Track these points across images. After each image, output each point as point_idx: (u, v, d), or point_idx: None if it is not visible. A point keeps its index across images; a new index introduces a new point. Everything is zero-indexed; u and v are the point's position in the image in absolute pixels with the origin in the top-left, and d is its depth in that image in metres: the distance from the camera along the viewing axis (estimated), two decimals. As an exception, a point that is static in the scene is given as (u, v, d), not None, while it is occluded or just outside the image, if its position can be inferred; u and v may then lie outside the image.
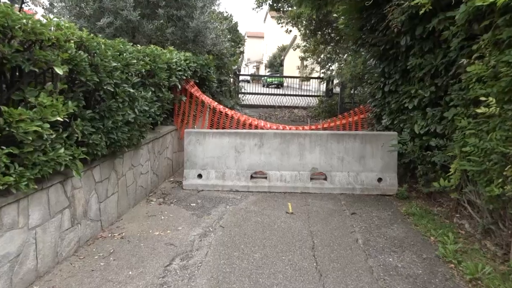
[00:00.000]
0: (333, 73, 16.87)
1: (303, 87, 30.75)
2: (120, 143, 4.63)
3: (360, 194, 6.54)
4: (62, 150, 3.51)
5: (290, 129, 7.93)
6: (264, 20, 65.75)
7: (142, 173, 6.03)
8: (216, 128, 7.99)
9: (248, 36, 66.62)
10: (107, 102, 4.21)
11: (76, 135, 3.75)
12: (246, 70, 63.16)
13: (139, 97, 4.99)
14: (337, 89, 22.77)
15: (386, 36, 6.39)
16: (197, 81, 8.14)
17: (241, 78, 25.35)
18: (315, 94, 21.98)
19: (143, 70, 5.09)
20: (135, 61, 4.70)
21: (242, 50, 21.42)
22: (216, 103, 8.14)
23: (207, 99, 8.07)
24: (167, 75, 6.26)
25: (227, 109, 8.02)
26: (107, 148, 4.44)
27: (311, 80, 20.93)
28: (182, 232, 4.84)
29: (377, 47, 6.84)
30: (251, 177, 6.78)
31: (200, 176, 6.79)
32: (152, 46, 6.42)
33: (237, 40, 19.34)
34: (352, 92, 11.84)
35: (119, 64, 4.31)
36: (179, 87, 6.67)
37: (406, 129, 6.32)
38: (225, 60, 13.69)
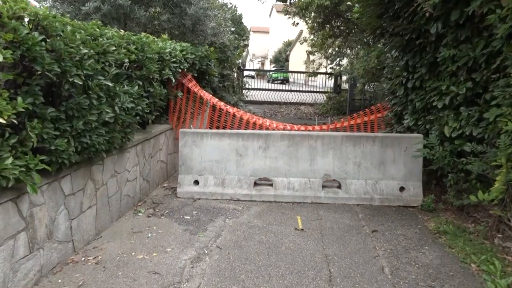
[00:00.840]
0: (342, 68, 15.98)
1: (309, 82, 29.91)
2: (95, 148, 3.81)
3: (380, 205, 5.70)
4: (9, 161, 2.70)
5: (299, 129, 7.09)
6: (270, 14, 64.77)
7: (129, 180, 5.22)
8: (217, 128, 7.16)
9: (253, 31, 65.76)
10: (77, 98, 3.38)
11: (32, 140, 2.94)
12: (251, 65, 62.23)
13: (122, 92, 4.17)
14: (346, 85, 21.98)
15: (412, 24, 5.52)
16: (196, 75, 7.31)
17: (245, 73, 24.46)
18: (322, 90, 21.11)
19: (127, 60, 4.25)
20: (114, 48, 3.86)
21: (246, 43, 20.47)
22: (216, 99, 7.31)
23: (206, 95, 7.24)
24: (158, 67, 5.43)
25: (228, 107, 7.19)
26: (78, 155, 3.63)
27: (318, 75, 20.03)
28: (171, 255, 4.03)
29: (400, 37, 5.97)
30: (255, 184, 5.95)
31: (196, 182, 5.98)
32: (143, 34, 5.59)
33: (241, 32, 18.45)
34: (364, 88, 10.96)
35: (91, 51, 3.48)
36: (173, 81, 5.84)
37: (433, 131, 5.47)
38: (228, 53, 12.85)
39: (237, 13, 18.29)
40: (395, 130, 6.65)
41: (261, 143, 5.91)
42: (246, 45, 22.44)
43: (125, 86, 4.29)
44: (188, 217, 5.12)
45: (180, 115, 7.12)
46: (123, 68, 4.59)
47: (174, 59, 6.01)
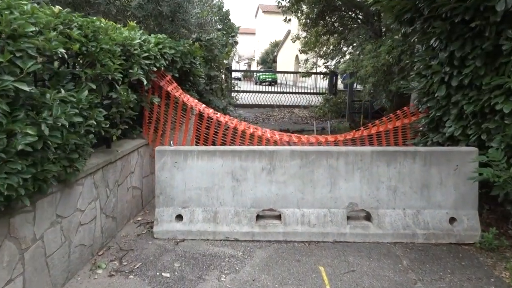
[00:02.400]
0: (341, 66, 14.61)
1: (297, 84, 28.54)
2: (10, 194, 2.31)
3: (424, 243, 4.29)
4: None
5: (307, 141, 5.65)
6: (255, 15, 63.41)
7: (83, 224, 3.70)
8: (205, 142, 5.68)
9: (239, 33, 64.28)
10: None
11: None
12: (238, 67, 60.70)
13: (56, 100, 2.66)
14: (341, 85, 20.63)
15: (465, 2, 4.13)
16: (177, 75, 5.82)
17: (233, 75, 22.97)
18: (315, 91, 19.75)
19: (62, 51, 2.73)
20: (33, 28, 2.35)
21: (236, 40, 18.95)
22: (203, 105, 5.83)
23: (190, 100, 5.76)
24: (122, 65, 3.93)
25: (219, 115, 5.72)
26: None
27: (307, 76, 18.66)
28: None
29: (443, 20, 4.58)
30: (258, 218, 4.49)
31: (179, 218, 4.49)
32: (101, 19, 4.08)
33: (229, 30, 16.98)
34: (372, 89, 9.59)
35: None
36: (145, 83, 4.32)
37: (495, 143, 4.09)
38: (215, 52, 11.34)
39: (223, 8, 16.82)
40: (430, 141, 5.25)
41: (264, 163, 4.45)
42: (236, 42, 20.90)
43: (62, 91, 2.77)
44: (168, 275, 3.63)
45: (158, 127, 5.62)
46: (66, 65, 3.10)
47: (147, 54, 4.51)
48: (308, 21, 14.96)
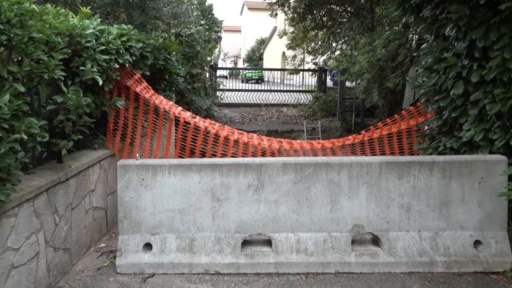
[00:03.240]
0: (330, 63, 13.90)
1: (285, 81, 27.76)
2: None
3: (445, 272, 3.56)
4: None
5: (301, 148, 4.88)
6: (241, 12, 62.46)
7: (18, 265, 2.87)
8: (182, 151, 4.86)
9: (224, 30, 63.56)
10: None
11: None
12: (224, 65, 59.78)
13: None
14: (330, 83, 19.91)
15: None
16: (148, 73, 4.99)
17: (218, 73, 22.09)
18: (304, 89, 19.00)
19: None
20: None
21: (219, 35, 18.00)
22: (179, 108, 5.01)
23: (164, 102, 4.94)
24: (67, 59, 3.09)
25: (197, 118, 4.91)
26: None
27: (295, 73, 17.89)
28: None
29: (461, 3, 3.85)
30: (244, 244, 3.71)
31: (148, 247, 3.68)
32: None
33: (212, 25, 16.08)
34: (367, 86, 8.86)
35: None
36: (100, 82, 3.46)
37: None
38: (197, 48, 10.50)
39: (206, 3, 15.91)
40: (443, 146, 4.52)
41: (251, 178, 3.67)
42: (219, 38, 20.00)
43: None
44: (128, 329, 2.83)
45: (126, 134, 4.78)
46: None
47: (104, 48, 3.67)
48: (296, 15, 14.23)
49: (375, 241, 3.74)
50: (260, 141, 4.87)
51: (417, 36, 7.98)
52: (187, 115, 4.88)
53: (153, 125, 4.99)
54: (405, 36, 7.73)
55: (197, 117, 4.97)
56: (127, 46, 4.22)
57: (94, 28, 3.61)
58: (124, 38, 4.20)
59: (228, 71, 26.72)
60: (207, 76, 14.62)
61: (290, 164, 3.67)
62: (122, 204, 3.68)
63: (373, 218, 3.67)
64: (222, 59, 57.48)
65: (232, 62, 61.88)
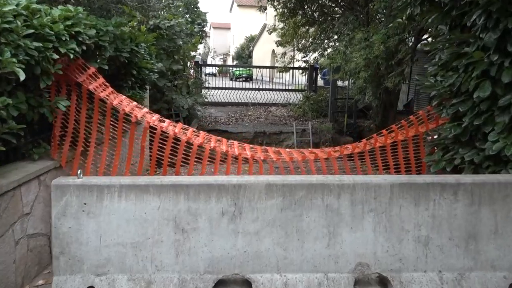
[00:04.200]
0: (321, 60, 13.15)
1: (274, 79, 26.96)
2: None
3: (473, 326, 2.79)
4: None
5: (290, 159, 4.06)
6: (230, 9, 61.48)
7: None
8: (147, 165, 4.00)
9: (213, 28, 62.59)
10: None
11: None
12: (214, 62, 58.87)
13: None
14: (320, 82, 19.17)
15: None
16: (106, 67, 4.12)
17: (207, 71, 21.16)
18: (293, 88, 18.20)
19: None
20: None
21: (203, 28, 16.95)
22: (144, 110, 4.15)
23: (125, 103, 4.07)
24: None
25: (166, 123, 4.05)
26: None
27: (285, 72, 17.13)
28: None
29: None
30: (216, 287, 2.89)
31: (91, 292, 2.84)
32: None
33: (196, 18, 15.14)
34: (365, 85, 8.09)
35: None
36: (21, 76, 2.59)
37: None
38: (178, 42, 9.63)
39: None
40: (460, 159, 3.73)
41: (225, 203, 2.84)
42: (204, 32, 19.04)
43: None
44: None
45: (78, 142, 3.91)
46: None
47: (32, 31, 2.79)
48: (286, 10, 13.48)
49: (384, 283, 2.95)
50: (242, 151, 4.04)
51: (415, 30, 7.27)
52: (153, 118, 4.02)
53: (114, 131, 4.12)
54: (406, 31, 6.98)
55: (166, 121, 4.11)
56: (73, 32, 3.34)
57: (18, 5, 2.74)
58: (68, 22, 3.32)
59: (217, 68, 25.73)
60: (192, 73, 13.76)
61: (276, 186, 2.86)
62: (58, 236, 2.83)
63: (382, 255, 2.87)
64: (211, 57, 56.54)
65: (221, 60, 60.91)
